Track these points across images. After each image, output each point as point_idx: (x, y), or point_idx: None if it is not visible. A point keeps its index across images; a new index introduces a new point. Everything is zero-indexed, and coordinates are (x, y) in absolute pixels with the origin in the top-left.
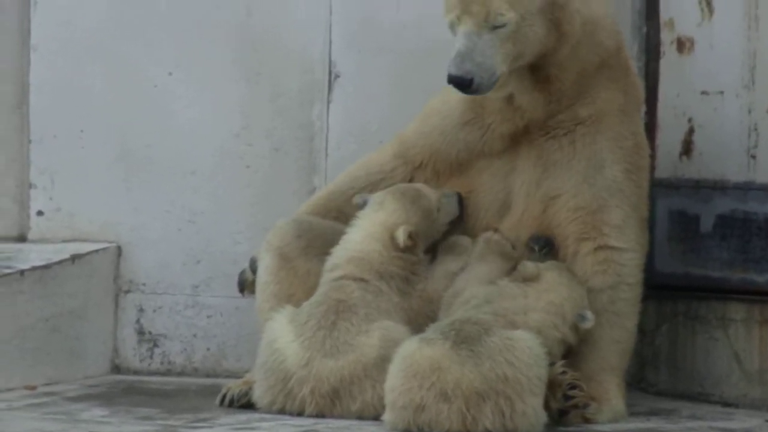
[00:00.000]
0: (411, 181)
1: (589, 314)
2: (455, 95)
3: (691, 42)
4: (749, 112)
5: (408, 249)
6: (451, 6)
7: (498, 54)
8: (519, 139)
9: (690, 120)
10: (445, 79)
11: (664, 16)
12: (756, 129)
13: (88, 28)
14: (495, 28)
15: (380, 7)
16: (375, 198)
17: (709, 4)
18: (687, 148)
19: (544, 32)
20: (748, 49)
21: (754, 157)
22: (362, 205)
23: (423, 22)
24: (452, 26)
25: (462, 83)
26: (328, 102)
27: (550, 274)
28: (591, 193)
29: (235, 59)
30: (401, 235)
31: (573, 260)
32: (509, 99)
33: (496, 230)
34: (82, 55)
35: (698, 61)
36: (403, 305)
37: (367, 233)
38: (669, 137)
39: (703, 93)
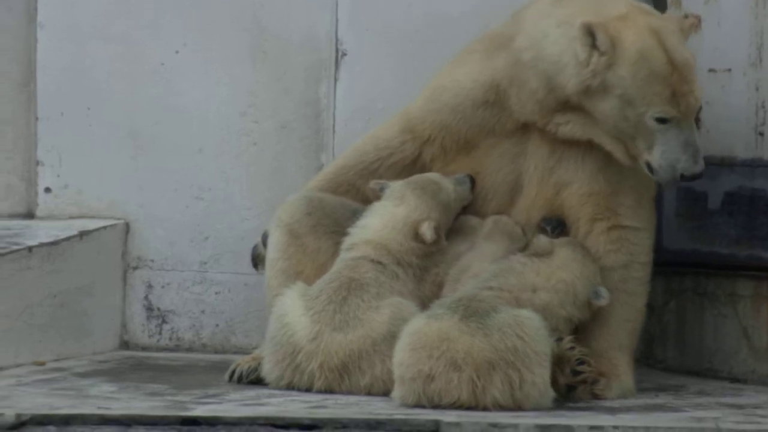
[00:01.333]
0: (420, 155)
1: (603, 291)
2: (466, 74)
3: (698, 19)
4: (757, 89)
5: (431, 243)
6: (667, 102)
7: None
8: (530, 126)
9: None
10: (443, 56)
11: None
12: (763, 106)
13: (94, 6)
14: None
15: None
16: (394, 191)
17: None
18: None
19: None
20: (755, 26)
21: (761, 134)
22: (379, 191)
23: (430, 1)
24: (669, 119)
25: (701, 177)
26: (335, 80)
27: (563, 250)
28: (606, 180)
29: (241, 37)
30: (428, 232)
31: (585, 240)
32: (547, 105)
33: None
34: (88, 33)
35: (705, 39)
36: (416, 292)
37: (387, 224)
38: None
39: (711, 71)
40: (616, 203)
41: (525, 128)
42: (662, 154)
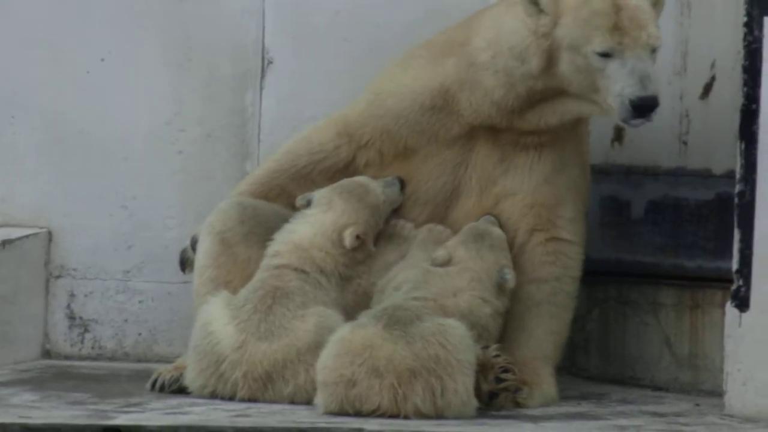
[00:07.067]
0: (353, 160)
1: (508, 272)
2: (413, 79)
3: None
4: (681, 98)
5: (356, 249)
6: (607, 34)
7: None
8: (478, 133)
9: None
10: (371, 64)
11: None
12: (687, 115)
13: (20, 14)
14: (653, 51)
15: None
16: (321, 198)
17: None
18: (619, 135)
19: None
20: (680, 35)
21: (685, 143)
22: (306, 205)
23: (357, 10)
24: (611, 52)
25: (655, 103)
26: (261, 88)
27: (458, 252)
28: (550, 192)
29: (167, 45)
30: (348, 238)
31: (521, 250)
32: (505, 105)
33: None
34: (14, 40)
35: None
36: (339, 301)
37: (317, 231)
38: (601, 124)
39: None
40: (556, 215)
41: (470, 136)
42: (610, 89)
